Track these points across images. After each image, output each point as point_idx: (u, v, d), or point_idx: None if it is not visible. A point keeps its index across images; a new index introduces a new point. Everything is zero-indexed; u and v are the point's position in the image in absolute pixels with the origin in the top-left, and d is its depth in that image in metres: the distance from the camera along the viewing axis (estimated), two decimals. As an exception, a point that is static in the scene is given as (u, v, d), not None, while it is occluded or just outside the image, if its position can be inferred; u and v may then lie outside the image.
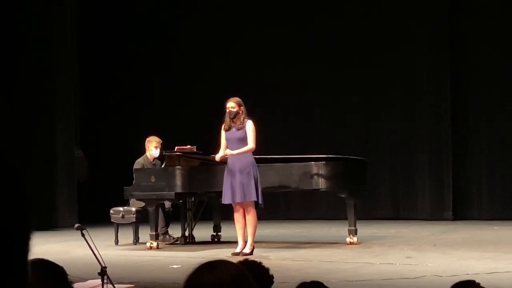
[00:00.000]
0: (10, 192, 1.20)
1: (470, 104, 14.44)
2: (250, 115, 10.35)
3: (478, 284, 3.31)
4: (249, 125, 10.15)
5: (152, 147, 11.92)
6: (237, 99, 10.26)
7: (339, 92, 15.16)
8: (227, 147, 10.24)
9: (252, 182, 10.01)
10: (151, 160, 11.94)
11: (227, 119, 10.23)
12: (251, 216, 10.11)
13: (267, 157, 10.87)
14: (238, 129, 10.15)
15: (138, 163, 11.82)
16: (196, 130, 14.42)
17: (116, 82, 16.44)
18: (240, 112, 10.18)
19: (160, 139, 11.99)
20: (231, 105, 10.21)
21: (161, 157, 11.91)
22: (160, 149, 11.90)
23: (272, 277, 3.97)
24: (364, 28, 15.01)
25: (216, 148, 10.52)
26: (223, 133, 10.27)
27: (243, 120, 10.17)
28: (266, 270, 3.97)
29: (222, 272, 1.95)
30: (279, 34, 15.51)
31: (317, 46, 15.26)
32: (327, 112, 15.23)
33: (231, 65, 15.66)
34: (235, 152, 10.01)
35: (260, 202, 10.09)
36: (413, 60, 14.75)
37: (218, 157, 10.27)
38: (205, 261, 2.03)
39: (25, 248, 1.22)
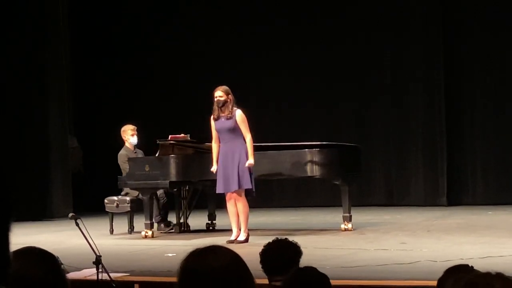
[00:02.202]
0: None
1: (464, 89, 14.44)
2: (242, 103, 10.33)
3: (472, 267, 3.32)
4: (239, 115, 10.11)
5: (129, 136, 11.91)
6: (224, 87, 10.23)
7: (331, 79, 15.14)
8: (218, 137, 10.23)
9: (247, 170, 10.03)
10: (132, 149, 11.93)
11: (215, 108, 10.22)
12: (241, 204, 10.13)
13: (261, 145, 10.87)
14: (228, 119, 10.14)
15: (122, 156, 11.80)
16: (189, 119, 14.41)
17: (110, 71, 16.40)
18: (228, 100, 10.15)
19: (134, 126, 11.96)
20: (219, 94, 10.19)
21: (140, 146, 11.93)
22: (137, 136, 11.90)
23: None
24: (356, 12, 14.99)
25: (209, 137, 10.53)
26: (212, 122, 10.26)
27: (232, 109, 10.15)
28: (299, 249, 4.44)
29: (223, 256, 1.96)
30: (271, 22, 15.47)
31: (308, 33, 15.23)
32: (320, 99, 15.21)
33: (223, 53, 15.64)
34: (252, 161, 9.97)
35: (253, 189, 10.14)
36: (405, 45, 14.73)
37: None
38: (200, 246, 2.03)
39: (5, 230, 1.23)
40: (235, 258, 1.97)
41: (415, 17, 14.63)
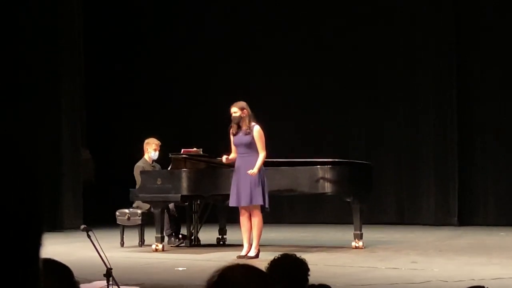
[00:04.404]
0: (27, 190, 1.20)
1: (476, 108, 14.40)
2: (256, 118, 10.32)
3: (487, 288, 3.29)
4: (256, 131, 10.12)
5: (152, 150, 11.89)
6: (240, 103, 10.23)
7: (344, 97, 15.14)
8: (236, 152, 10.26)
9: (259, 186, 10.01)
10: (150, 162, 11.92)
11: (233, 123, 10.24)
12: (257, 219, 10.11)
13: (274, 161, 10.87)
14: (245, 134, 10.15)
15: (139, 167, 11.78)
16: (202, 133, 14.43)
17: (124, 83, 16.45)
18: (244, 115, 10.15)
19: (158, 141, 11.95)
20: (234, 110, 10.21)
21: (160, 160, 11.92)
22: (159, 152, 11.88)
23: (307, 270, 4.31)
24: (370, 33, 14.99)
25: (223, 151, 10.55)
26: (231, 136, 10.29)
27: (249, 124, 10.14)
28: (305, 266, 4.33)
29: (252, 275, 1.94)
30: (286, 38, 15.51)
31: (322, 52, 15.25)
32: (333, 116, 15.21)
33: (237, 68, 15.67)
34: (255, 170, 9.96)
35: (266, 205, 10.10)
36: (418, 65, 14.72)
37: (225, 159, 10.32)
38: (229, 264, 2.01)
39: (38, 244, 1.22)
40: (267, 276, 1.95)
41: (428, 37, 14.61)
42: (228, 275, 1.87)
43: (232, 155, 10.31)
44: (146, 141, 12.00)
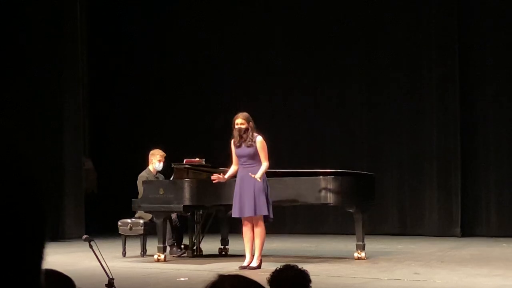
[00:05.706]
0: (29, 200, 1.20)
1: (480, 119, 14.40)
2: (258, 128, 10.33)
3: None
4: (260, 143, 10.12)
5: (156, 161, 11.89)
6: (245, 114, 10.24)
7: (347, 105, 15.15)
8: (238, 162, 10.24)
9: (263, 196, 10.00)
10: (154, 173, 11.91)
11: (236, 134, 10.22)
12: (259, 230, 10.10)
13: (276, 171, 10.86)
14: (248, 146, 10.14)
15: (142, 178, 11.79)
16: (205, 143, 14.43)
17: (126, 92, 16.47)
18: (249, 128, 10.16)
19: (164, 153, 11.96)
20: (240, 121, 10.20)
21: (164, 171, 11.91)
22: (164, 163, 11.88)
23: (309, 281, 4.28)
24: (371, 35, 15.01)
25: (225, 161, 10.55)
26: (233, 148, 10.27)
27: (253, 136, 10.15)
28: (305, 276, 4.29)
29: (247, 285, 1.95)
30: (289, 46, 15.53)
31: (325, 61, 15.26)
32: (335, 126, 15.21)
33: (239, 77, 15.68)
34: (259, 175, 9.95)
35: (270, 216, 10.09)
36: (421, 73, 14.72)
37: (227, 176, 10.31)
38: (223, 274, 2.02)
39: (40, 256, 1.22)
40: (257, 285, 1.96)
41: (430, 47, 14.61)
42: (219, 286, 1.88)
43: (233, 167, 10.28)
44: (151, 152, 12.01)
